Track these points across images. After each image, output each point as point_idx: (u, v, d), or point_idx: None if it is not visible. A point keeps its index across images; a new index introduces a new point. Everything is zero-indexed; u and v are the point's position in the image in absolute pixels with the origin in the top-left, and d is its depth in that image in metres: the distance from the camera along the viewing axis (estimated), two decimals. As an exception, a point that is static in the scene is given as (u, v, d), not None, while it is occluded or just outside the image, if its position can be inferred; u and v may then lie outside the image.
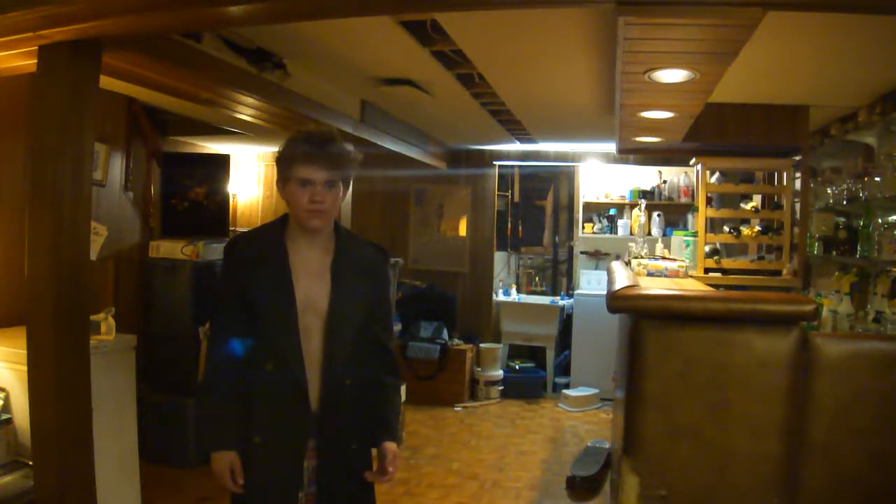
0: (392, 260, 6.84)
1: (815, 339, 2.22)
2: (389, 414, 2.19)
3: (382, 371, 2.21)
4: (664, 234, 6.64)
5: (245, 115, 3.79)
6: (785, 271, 4.94)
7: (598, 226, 7.38)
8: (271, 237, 2.12)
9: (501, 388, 6.87)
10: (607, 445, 4.85)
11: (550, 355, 7.10)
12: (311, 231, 2.07)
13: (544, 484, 4.61)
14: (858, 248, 3.91)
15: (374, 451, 2.18)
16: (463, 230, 7.41)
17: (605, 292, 2.65)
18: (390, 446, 2.13)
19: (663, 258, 4.77)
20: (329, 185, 2.02)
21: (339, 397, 2.08)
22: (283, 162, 2.05)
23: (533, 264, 8.18)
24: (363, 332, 2.14)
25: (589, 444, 5.09)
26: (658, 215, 6.94)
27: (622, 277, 2.96)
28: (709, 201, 5.39)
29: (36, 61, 2.41)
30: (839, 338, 2.55)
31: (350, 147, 2.10)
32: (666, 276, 4.23)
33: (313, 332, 2.06)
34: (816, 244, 4.55)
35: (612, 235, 7.29)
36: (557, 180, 8.07)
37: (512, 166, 7.66)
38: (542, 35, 3.07)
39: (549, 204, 8.19)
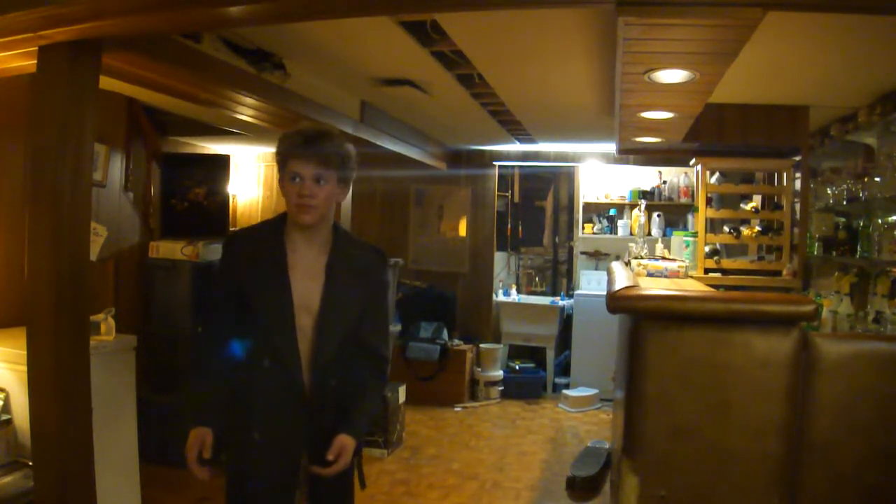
0: (392, 260, 6.85)
1: (815, 340, 2.22)
2: (356, 409, 2.11)
3: (368, 374, 2.18)
4: (664, 235, 6.64)
5: (245, 115, 3.79)
6: (785, 272, 4.94)
7: (597, 226, 7.38)
8: (270, 235, 2.12)
9: (501, 388, 6.87)
10: (607, 446, 4.85)
11: (550, 355, 7.10)
12: (303, 227, 2.06)
13: (544, 484, 4.61)
14: (858, 248, 3.91)
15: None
16: (463, 230, 7.41)
17: (604, 293, 2.65)
18: (340, 438, 2.02)
19: (663, 258, 4.77)
20: (318, 179, 2.01)
21: (324, 398, 2.07)
22: (277, 157, 2.07)
23: (533, 265, 8.18)
24: (353, 334, 2.13)
25: (589, 444, 5.09)
26: (658, 216, 6.93)
27: (622, 278, 2.96)
28: (709, 202, 5.40)
29: (36, 62, 2.41)
30: (839, 338, 2.54)
31: (347, 146, 2.09)
32: (666, 276, 4.23)
33: (306, 331, 2.06)
34: (816, 244, 4.55)
35: (612, 236, 7.29)
36: (557, 181, 8.07)
37: (512, 167, 7.67)
38: (542, 35, 3.07)
39: (549, 204, 8.19)
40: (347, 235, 2.24)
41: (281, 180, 2.06)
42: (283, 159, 2.04)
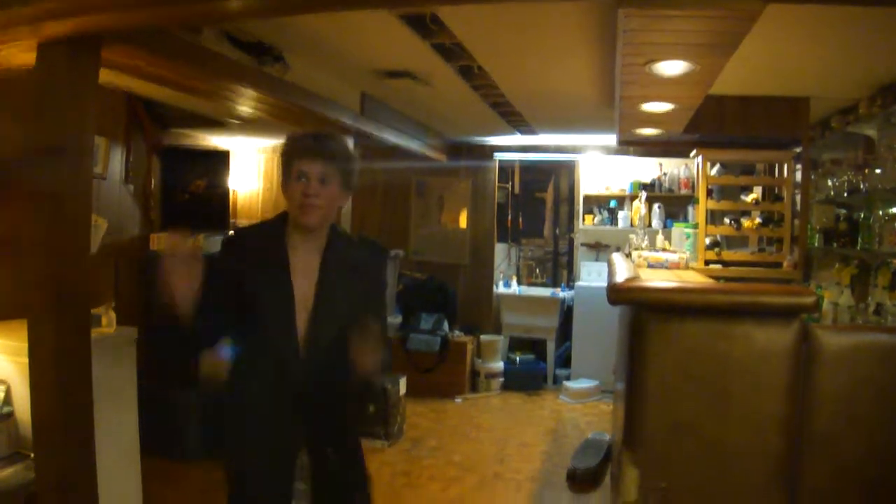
0: (392, 252, 6.85)
1: (816, 331, 2.22)
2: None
3: None
4: (665, 226, 6.64)
5: (245, 108, 3.78)
6: (785, 263, 4.94)
7: (598, 217, 7.37)
8: (272, 235, 2.12)
9: (502, 379, 6.88)
10: (608, 438, 4.87)
11: (551, 347, 7.11)
12: (306, 228, 2.06)
13: (545, 476, 4.62)
14: (859, 239, 3.91)
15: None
16: (463, 222, 7.40)
17: (605, 284, 2.65)
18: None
19: (664, 250, 4.78)
20: (323, 180, 2.01)
21: (320, 394, 2.08)
22: (282, 157, 2.07)
23: (533, 256, 8.18)
24: (349, 330, 2.12)
25: (589, 436, 5.11)
26: (658, 207, 6.93)
27: (623, 269, 2.97)
28: (709, 193, 5.39)
29: (35, 56, 2.40)
30: (840, 330, 2.55)
31: (351, 150, 2.11)
32: (666, 267, 4.24)
33: (302, 328, 2.07)
34: (817, 236, 4.56)
35: (613, 227, 7.28)
36: (558, 172, 8.06)
37: (512, 159, 7.65)
38: (542, 27, 3.06)
39: (549, 196, 8.19)
40: (345, 235, 2.26)
41: (285, 181, 2.05)
42: (288, 159, 2.04)
